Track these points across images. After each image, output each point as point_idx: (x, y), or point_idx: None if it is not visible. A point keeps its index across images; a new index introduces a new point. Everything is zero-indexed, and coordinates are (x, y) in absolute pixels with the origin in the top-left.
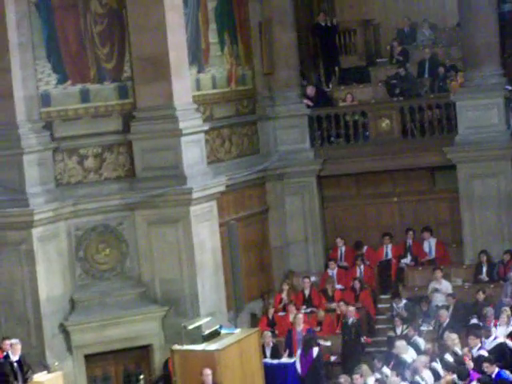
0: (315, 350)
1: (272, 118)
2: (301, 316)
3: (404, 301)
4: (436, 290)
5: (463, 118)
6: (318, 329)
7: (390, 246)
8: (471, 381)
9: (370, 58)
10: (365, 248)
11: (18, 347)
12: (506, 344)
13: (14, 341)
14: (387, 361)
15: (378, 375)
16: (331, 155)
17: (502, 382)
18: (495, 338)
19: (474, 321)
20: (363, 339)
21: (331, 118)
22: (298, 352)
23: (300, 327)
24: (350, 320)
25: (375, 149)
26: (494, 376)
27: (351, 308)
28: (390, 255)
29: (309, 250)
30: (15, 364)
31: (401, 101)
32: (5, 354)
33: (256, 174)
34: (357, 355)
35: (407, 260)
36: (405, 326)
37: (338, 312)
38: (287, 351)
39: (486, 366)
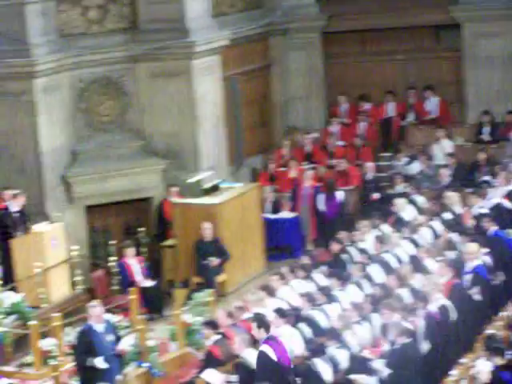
0: (340, 194)
1: None
2: (310, 172)
3: (405, 158)
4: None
5: None
6: (318, 185)
7: (392, 104)
8: None
9: None
10: (368, 105)
11: (21, 198)
12: (502, 204)
13: (16, 191)
14: (386, 218)
15: (377, 232)
16: (336, 11)
17: (497, 239)
18: (491, 199)
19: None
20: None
21: None
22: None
23: (308, 183)
24: (369, 175)
25: (381, 5)
26: (491, 233)
27: (369, 164)
28: (392, 113)
29: (311, 106)
30: (16, 214)
31: None
32: (5, 204)
33: (260, 29)
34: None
35: (409, 118)
36: (404, 184)
37: (339, 169)
38: (290, 206)
39: (485, 221)
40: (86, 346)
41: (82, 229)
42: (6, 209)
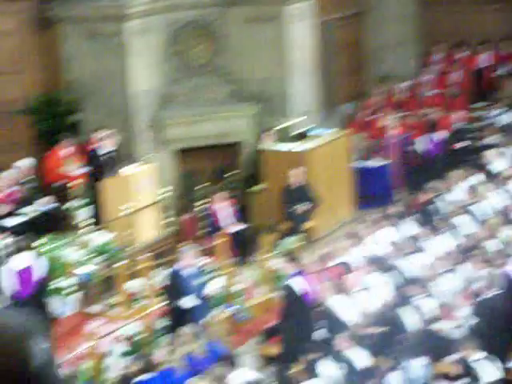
0: (440, 134)
1: None
2: (396, 119)
3: (497, 109)
4: None
5: None
6: (408, 134)
7: (486, 54)
8: None
9: None
10: (462, 53)
11: (112, 139)
12: None
13: (107, 132)
14: (476, 169)
15: (467, 183)
16: None
17: None
18: None
19: None
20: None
21: None
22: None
23: (395, 131)
24: (460, 125)
25: None
26: None
27: (461, 113)
28: (485, 63)
29: (404, 54)
30: (107, 156)
31: None
32: (96, 145)
33: None
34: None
35: (502, 69)
36: (496, 135)
37: (431, 117)
38: (380, 154)
39: None
40: (174, 288)
41: (172, 171)
42: (97, 150)
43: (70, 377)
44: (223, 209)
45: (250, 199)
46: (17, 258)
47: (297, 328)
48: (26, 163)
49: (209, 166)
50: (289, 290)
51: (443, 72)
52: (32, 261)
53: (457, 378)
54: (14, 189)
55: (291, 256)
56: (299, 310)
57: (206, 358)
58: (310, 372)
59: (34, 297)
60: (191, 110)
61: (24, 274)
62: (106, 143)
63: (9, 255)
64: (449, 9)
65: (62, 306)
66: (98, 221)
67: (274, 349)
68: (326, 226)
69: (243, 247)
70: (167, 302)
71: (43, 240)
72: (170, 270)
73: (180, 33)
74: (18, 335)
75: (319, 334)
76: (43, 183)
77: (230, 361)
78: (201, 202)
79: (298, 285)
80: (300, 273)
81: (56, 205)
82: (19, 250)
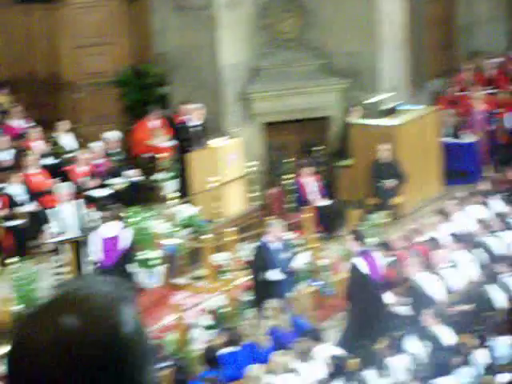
0: None
1: None
2: (485, 96)
3: None
4: None
5: None
6: (497, 110)
7: None
8: None
9: None
10: None
11: (200, 112)
12: None
13: (196, 106)
14: None
15: None
16: None
17: None
18: None
19: None
20: None
21: None
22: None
23: (481, 107)
24: None
25: None
26: None
27: None
28: None
29: (495, 30)
30: (195, 129)
31: None
32: (184, 118)
33: None
34: None
35: None
36: None
37: None
38: (469, 131)
39: None
40: (261, 261)
41: (259, 145)
42: (185, 122)
43: (156, 347)
44: (310, 183)
45: (337, 174)
46: (105, 227)
47: (362, 307)
48: (114, 135)
49: (296, 141)
50: (354, 269)
51: None
52: (119, 231)
53: None
54: (102, 161)
55: (357, 234)
56: (365, 289)
57: (290, 333)
58: (395, 348)
59: (117, 266)
60: (279, 84)
61: (110, 242)
62: (193, 116)
63: (97, 225)
64: None
65: (149, 278)
66: (184, 193)
67: None
68: (413, 202)
69: (330, 222)
70: (253, 275)
71: (130, 211)
72: (257, 243)
73: (269, 6)
74: (108, 302)
75: (405, 310)
76: (131, 155)
77: (314, 335)
78: (287, 176)
79: (364, 264)
80: (366, 251)
81: (143, 177)
82: (107, 220)
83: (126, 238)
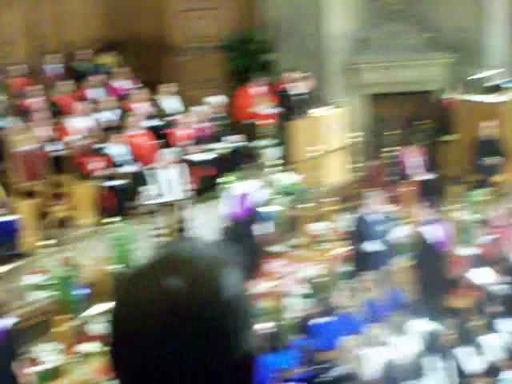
0: None
1: None
2: None
3: None
4: None
5: None
6: None
7: None
8: None
9: None
10: None
11: (306, 81)
12: None
13: (302, 74)
14: None
15: None
16: None
17: None
18: None
19: None
20: None
21: None
22: None
23: None
24: None
25: None
26: None
27: None
28: None
29: None
30: (299, 97)
31: None
32: (288, 86)
33: None
34: None
35: None
36: None
37: None
38: None
39: None
40: (359, 232)
41: (363, 116)
42: (289, 91)
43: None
44: (412, 157)
45: (439, 149)
46: (238, 185)
47: (429, 275)
48: (217, 100)
49: (399, 113)
50: (420, 238)
51: None
52: (251, 189)
53: None
54: (204, 125)
55: (430, 202)
56: (431, 258)
57: (386, 305)
58: (490, 327)
59: (246, 223)
60: (385, 56)
61: (242, 199)
62: (298, 84)
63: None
64: None
65: None
66: (285, 161)
67: (457, 301)
68: None
69: (431, 196)
70: (350, 246)
71: (231, 177)
72: (356, 214)
73: None
74: (212, 264)
75: (503, 289)
76: (233, 121)
77: (410, 310)
78: (390, 148)
79: (431, 232)
80: (434, 220)
81: (245, 143)
82: (243, 178)
83: (257, 197)
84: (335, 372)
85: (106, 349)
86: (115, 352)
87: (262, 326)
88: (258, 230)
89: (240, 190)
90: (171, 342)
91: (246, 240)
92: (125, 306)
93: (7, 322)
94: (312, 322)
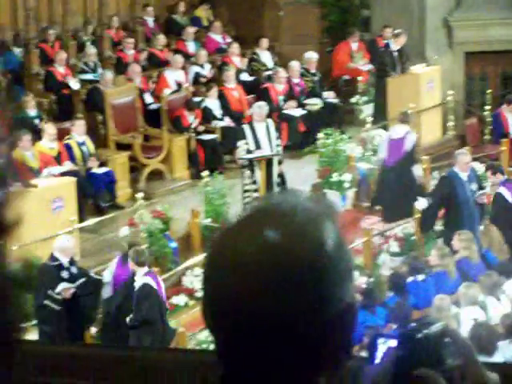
0: None
1: None
2: None
3: None
4: None
5: None
6: None
7: None
8: None
9: None
10: None
11: (401, 37)
12: None
13: (397, 31)
14: None
15: None
16: None
17: None
18: None
19: None
20: None
21: None
22: None
23: None
24: None
25: None
26: None
27: None
28: None
29: None
30: (395, 54)
31: None
32: (386, 42)
33: None
34: None
35: None
36: None
37: None
38: None
39: None
40: (450, 192)
41: (458, 74)
42: (387, 47)
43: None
44: (510, 116)
45: None
46: (393, 129)
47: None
48: (313, 55)
49: (495, 72)
50: (499, 197)
51: None
52: (405, 134)
53: None
54: (299, 80)
55: (494, 167)
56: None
57: (480, 265)
58: None
59: (399, 166)
60: (484, 14)
61: (395, 144)
62: (395, 41)
63: None
64: None
65: (341, 200)
66: (380, 118)
67: None
68: None
69: None
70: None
71: (327, 132)
72: (445, 173)
73: None
74: (311, 217)
75: None
76: (328, 76)
77: (503, 270)
78: (487, 107)
79: (508, 193)
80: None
81: (340, 99)
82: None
83: (410, 141)
84: (431, 330)
85: (199, 302)
86: (209, 306)
87: (357, 282)
88: (414, 172)
89: (394, 134)
90: (270, 296)
91: (400, 184)
92: (221, 259)
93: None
94: (404, 279)
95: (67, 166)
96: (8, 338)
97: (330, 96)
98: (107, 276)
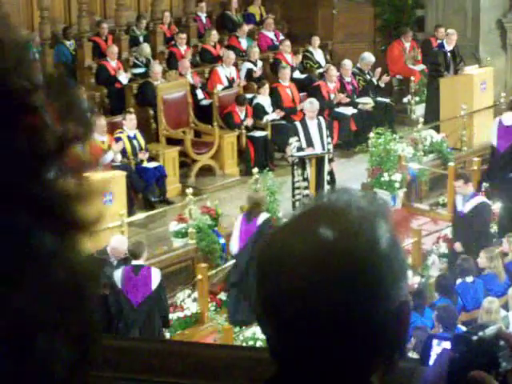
0: None
1: None
2: None
3: None
4: None
5: None
6: None
7: None
8: None
9: None
10: None
11: (454, 37)
12: None
13: (450, 31)
14: None
15: None
16: None
17: None
18: None
19: None
20: None
21: None
22: None
23: None
24: None
25: None
26: None
27: None
28: None
29: None
30: (448, 54)
31: None
32: (439, 42)
33: None
34: None
35: None
36: None
37: None
38: None
39: None
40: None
41: (511, 76)
42: (440, 47)
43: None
44: None
45: None
46: (505, 116)
47: None
48: (371, 58)
49: None
50: None
51: None
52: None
53: None
54: (352, 79)
55: None
56: None
57: None
58: None
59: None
60: None
61: (506, 130)
62: (449, 41)
63: None
64: None
65: (392, 199)
66: (432, 119)
67: None
68: None
69: None
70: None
71: (378, 131)
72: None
73: None
74: (365, 216)
75: None
76: (381, 75)
77: None
78: None
79: None
80: None
81: (392, 98)
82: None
83: None
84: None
85: None
86: (262, 305)
87: (411, 281)
88: None
89: (507, 121)
90: (325, 295)
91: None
92: (275, 258)
93: None
94: (452, 281)
95: (116, 149)
96: (87, 340)
97: (382, 95)
98: (235, 233)
